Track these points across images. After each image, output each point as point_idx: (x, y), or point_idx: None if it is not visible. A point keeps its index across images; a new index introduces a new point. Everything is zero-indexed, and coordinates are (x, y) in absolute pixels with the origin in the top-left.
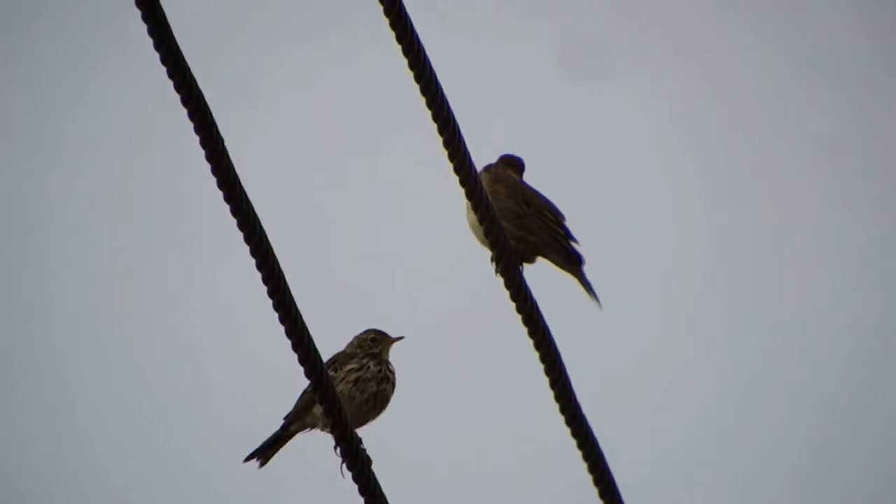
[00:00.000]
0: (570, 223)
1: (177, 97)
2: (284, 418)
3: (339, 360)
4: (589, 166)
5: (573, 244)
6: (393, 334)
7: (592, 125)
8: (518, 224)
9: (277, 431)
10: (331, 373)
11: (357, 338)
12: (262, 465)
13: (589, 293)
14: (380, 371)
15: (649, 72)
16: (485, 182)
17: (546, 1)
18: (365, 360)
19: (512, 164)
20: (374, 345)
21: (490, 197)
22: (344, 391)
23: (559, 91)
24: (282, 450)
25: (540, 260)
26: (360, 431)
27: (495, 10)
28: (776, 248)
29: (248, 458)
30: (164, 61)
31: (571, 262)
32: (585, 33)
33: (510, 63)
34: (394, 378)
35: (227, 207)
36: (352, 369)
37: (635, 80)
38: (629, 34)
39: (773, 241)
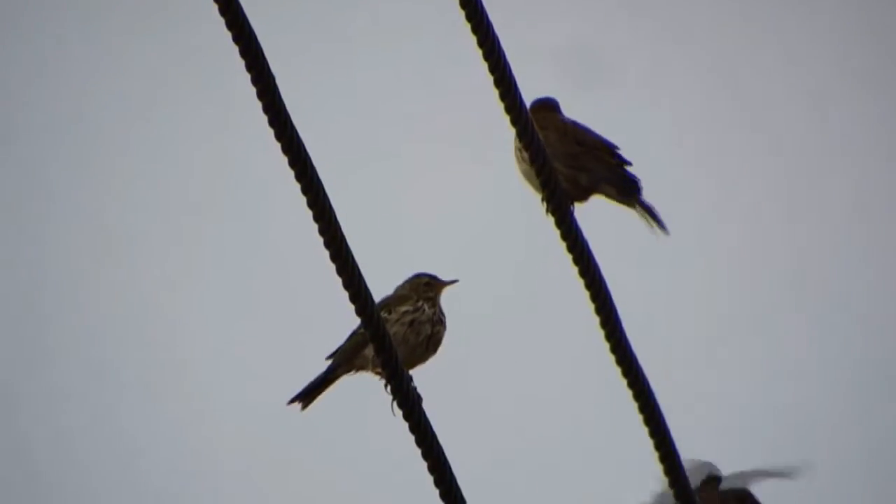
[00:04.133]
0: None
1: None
2: (328, 358)
3: (390, 302)
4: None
5: (629, 169)
6: (445, 278)
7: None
8: (571, 164)
9: (323, 374)
10: (383, 314)
11: (409, 282)
12: (303, 407)
13: (651, 220)
14: (434, 314)
15: (652, 76)
16: None
17: (543, 8)
18: (420, 303)
19: (551, 107)
20: (428, 289)
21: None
22: (398, 333)
23: (562, 98)
24: (326, 393)
25: (594, 198)
26: (411, 373)
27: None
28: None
29: (292, 401)
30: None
31: (628, 191)
32: (586, 39)
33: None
34: (444, 321)
35: (278, 145)
36: (406, 311)
37: (637, 85)
38: (630, 38)
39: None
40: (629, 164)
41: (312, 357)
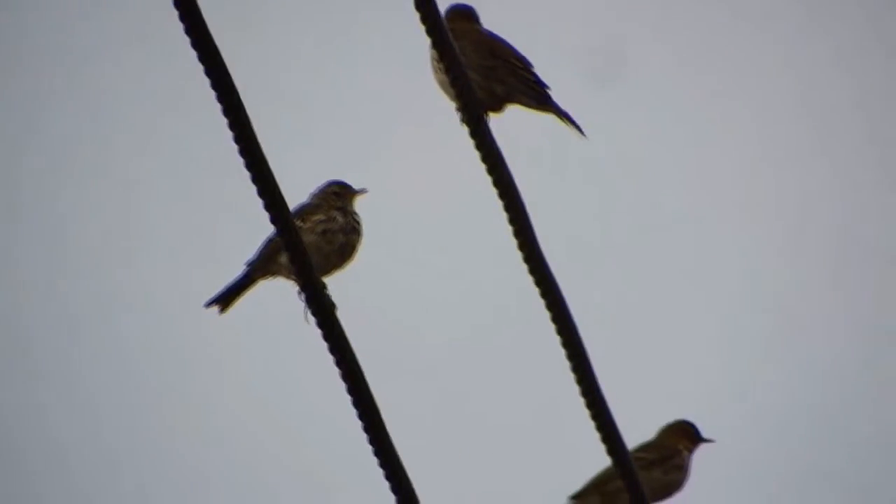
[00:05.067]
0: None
1: None
2: (246, 264)
3: (305, 211)
4: (611, 172)
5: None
6: (356, 186)
7: (613, 130)
8: (486, 75)
9: (240, 279)
10: (298, 223)
11: (321, 190)
12: (222, 311)
13: (570, 124)
14: (347, 222)
15: (669, 76)
16: None
17: (562, 5)
18: (331, 212)
19: (467, 16)
20: (338, 198)
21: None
22: (312, 242)
23: (581, 95)
24: (244, 297)
25: (510, 108)
26: (325, 279)
27: (506, 16)
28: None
29: (210, 304)
30: None
31: (544, 100)
32: (603, 37)
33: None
34: (360, 228)
35: (195, 54)
36: (319, 220)
37: (654, 85)
38: (648, 38)
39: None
40: (545, 85)
41: (233, 263)
